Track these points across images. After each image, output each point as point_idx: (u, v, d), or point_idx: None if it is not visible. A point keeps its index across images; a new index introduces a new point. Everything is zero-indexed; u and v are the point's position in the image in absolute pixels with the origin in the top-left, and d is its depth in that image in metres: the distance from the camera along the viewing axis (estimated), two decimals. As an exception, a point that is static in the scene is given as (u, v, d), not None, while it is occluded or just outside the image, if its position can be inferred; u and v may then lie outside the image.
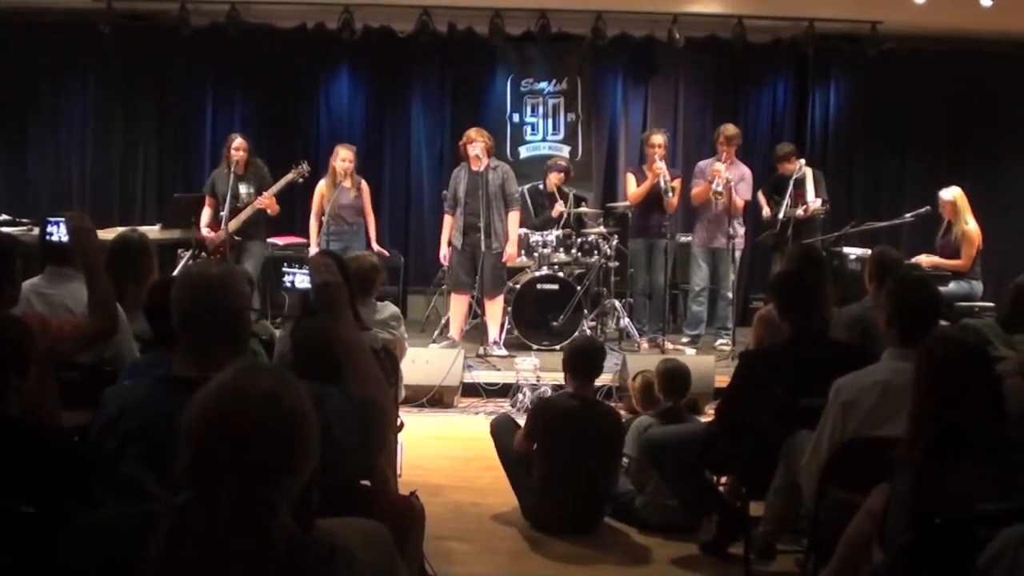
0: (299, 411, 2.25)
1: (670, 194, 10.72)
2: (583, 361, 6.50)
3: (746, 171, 11.07)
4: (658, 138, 11.00)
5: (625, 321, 11.17)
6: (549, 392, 8.84)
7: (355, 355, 3.29)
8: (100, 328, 4.67)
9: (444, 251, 10.75)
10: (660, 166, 10.72)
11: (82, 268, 4.77)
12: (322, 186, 10.73)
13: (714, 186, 10.65)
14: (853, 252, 10.90)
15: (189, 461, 2.19)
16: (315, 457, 2.27)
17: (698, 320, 11.27)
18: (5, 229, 10.48)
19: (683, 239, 12.02)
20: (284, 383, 2.27)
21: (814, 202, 11.01)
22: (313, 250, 10.54)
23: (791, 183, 10.90)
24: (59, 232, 5.27)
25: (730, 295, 11.05)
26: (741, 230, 11.02)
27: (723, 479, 6.17)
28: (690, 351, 10.72)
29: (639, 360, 9.28)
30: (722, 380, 8.83)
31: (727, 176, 10.66)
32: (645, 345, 10.90)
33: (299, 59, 13.32)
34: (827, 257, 10.49)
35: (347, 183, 10.54)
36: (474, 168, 10.43)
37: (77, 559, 2.36)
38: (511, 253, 10.59)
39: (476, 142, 10.38)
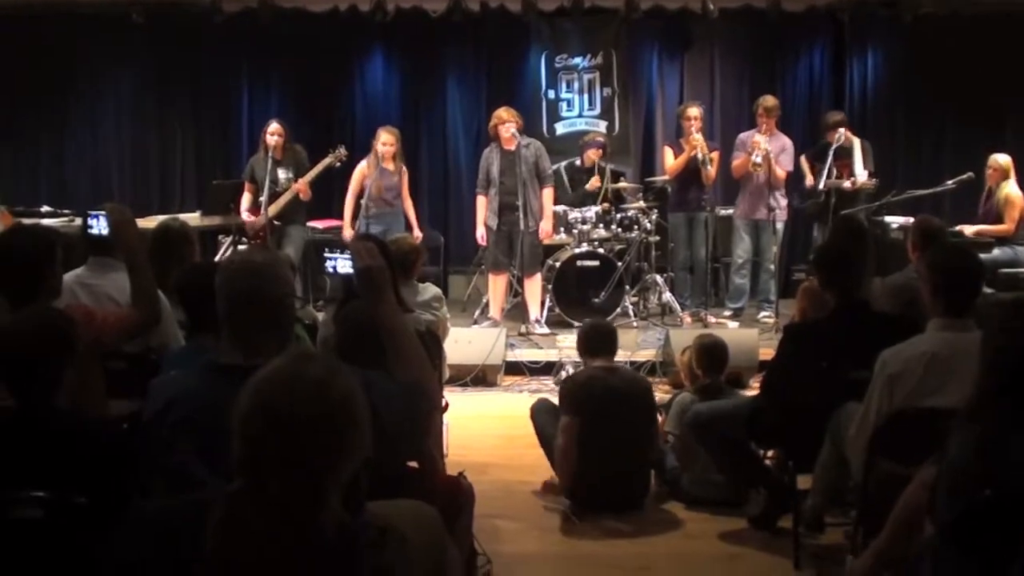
0: (350, 399, 2.26)
1: (708, 166, 10.70)
2: (599, 340, 6.52)
3: (786, 142, 11.00)
4: (694, 110, 10.98)
5: (667, 296, 11.14)
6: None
7: (399, 338, 3.30)
8: (144, 318, 4.71)
9: (481, 231, 10.73)
10: (697, 138, 10.70)
11: (124, 260, 4.80)
12: (363, 167, 10.71)
13: (753, 157, 10.59)
14: (895, 221, 10.82)
15: (240, 451, 2.20)
16: (366, 445, 2.28)
17: (741, 293, 11.23)
18: (47, 221, 10.57)
19: (723, 212, 11.97)
20: (334, 371, 2.28)
21: (862, 175, 10.86)
22: (347, 233, 10.58)
23: (831, 152, 10.82)
24: (99, 225, 5.30)
25: (772, 267, 10.99)
26: (783, 201, 10.96)
27: (769, 453, 6.16)
28: (733, 324, 10.69)
29: (682, 335, 9.25)
30: (766, 353, 8.80)
31: (767, 147, 10.59)
32: (687, 319, 10.87)
33: (333, 43, 13.34)
34: (869, 227, 10.47)
35: (390, 166, 10.54)
36: (507, 148, 10.43)
37: (130, 550, 2.38)
38: (547, 230, 10.59)
39: (508, 122, 10.38)
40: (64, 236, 6.82)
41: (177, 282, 4.71)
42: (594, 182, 11.34)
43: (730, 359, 6.86)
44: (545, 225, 10.56)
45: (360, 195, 10.56)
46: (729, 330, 10.02)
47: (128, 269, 4.69)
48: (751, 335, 9.50)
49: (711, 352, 6.70)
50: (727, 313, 11.17)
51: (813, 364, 5.17)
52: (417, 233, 10.68)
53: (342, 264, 4.23)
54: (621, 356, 7.64)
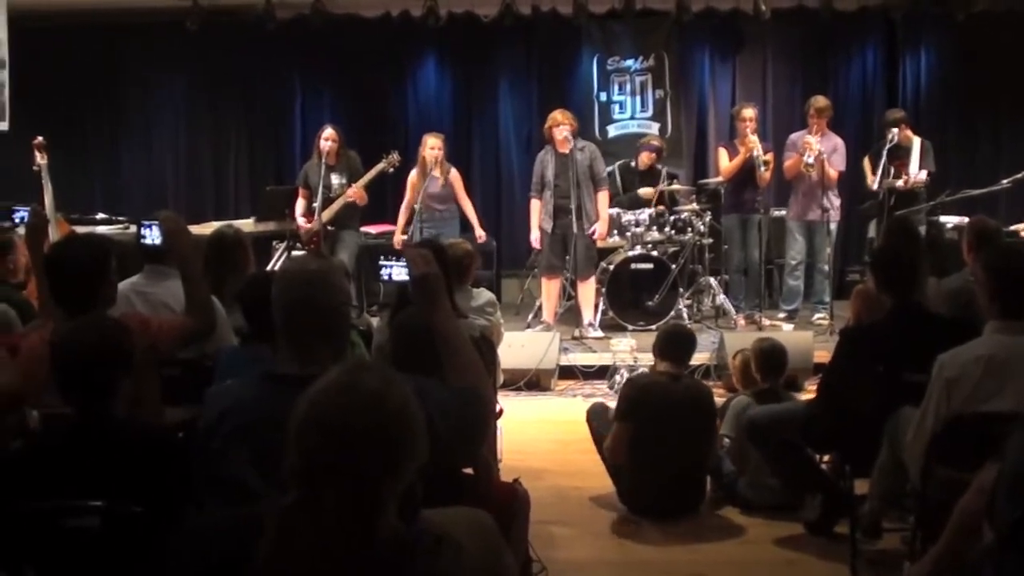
0: (405, 410, 2.26)
1: (763, 168, 10.64)
2: (672, 344, 6.49)
3: (838, 142, 10.91)
4: (749, 111, 10.92)
5: (721, 298, 11.10)
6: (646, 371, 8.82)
7: (455, 345, 3.29)
8: (198, 326, 4.73)
9: (535, 235, 10.72)
10: (753, 140, 10.65)
11: (177, 268, 4.83)
12: (413, 176, 10.73)
13: (805, 158, 10.51)
14: (950, 221, 10.73)
15: (296, 462, 2.21)
16: (422, 456, 2.28)
17: (795, 295, 11.15)
18: (101, 228, 10.70)
19: (777, 213, 11.90)
20: (390, 382, 2.28)
21: (917, 174, 10.76)
22: (397, 239, 10.63)
23: (885, 152, 10.72)
24: (153, 234, 5.35)
25: (826, 268, 10.90)
26: (836, 202, 10.87)
27: (825, 457, 6.12)
28: (787, 327, 10.62)
29: (736, 337, 9.21)
30: (820, 355, 8.77)
31: (819, 148, 10.51)
32: (742, 322, 10.81)
33: (385, 48, 13.40)
34: (925, 227, 10.38)
35: (436, 172, 10.54)
36: (561, 150, 10.42)
37: (185, 561, 2.40)
38: (602, 232, 10.57)
39: (563, 125, 10.36)
40: (119, 244, 6.88)
41: (239, 292, 4.75)
42: (649, 192, 11.30)
43: (786, 362, 6.83)
44: (600, 228, 10.54)
45: (414, 202, 10.59)
46: (784, 332, 9.96)
47: (182, 278, 4.71)
48: (806, 337, 9.44)
49: (770, 356, 6.65)
50: (781, 315, 11.11)
51: (869, 368, 5.13)
52: (480, 233, 10.72)
53: (397, 271, 4.25)
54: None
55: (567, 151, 10.36)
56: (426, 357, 3.40)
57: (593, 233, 10.51)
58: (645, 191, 11.35)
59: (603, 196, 10.60)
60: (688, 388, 6.40)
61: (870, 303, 6.07)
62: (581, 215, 10.34)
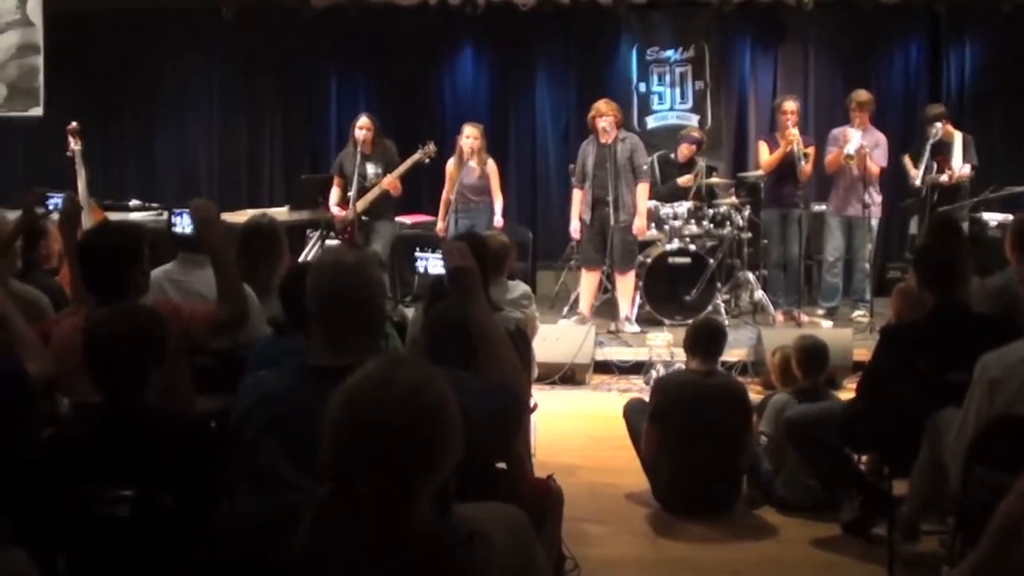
0: (442, 406, 2.27)
1: (803, 162, 10.59)
2: (702, 339, 6.48)
3: (880, 137, 10.84)
4: (790, 104, 10.87)
5: (759, 294, 11.05)
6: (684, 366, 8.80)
7: (491, 339, 3.30)
8: (231, 316, 4.74)
9: (575, 225, 10.71)
10: (793, 133, 10.59)
11: (210, 258, 4.83)
12: (450, 166, 10.77)
13: (846, 149, 10.44)
14: (994, 218, 10.65)
15: (331, 455, 2.22)
16: (458, 451, 2.28)
17: (834, 291, 11.10)
18: (135, 215, 10.76)
19: (817, 208, 11.84)
20: (428, 377, 2.28)
21: (961, 168, 10.69)
22: (439, 226, 10.67)
23: (928, 147, 10.65)
24: (184, 223, 5.37)
25: (866, 265, 10.84)
26: (878, 198, 10.81)
27: (864, 458, 6.09)
28: (826, 324, 10.57)
29: (774, 334, 9.19)
30: (860, 353, 8.73)
31: (860, 141, 10.45)
32: (780, 318, 10.77)
33: (422, 37, 13.40)
34: (968, 224, 10.31)
35: (473, 161, 10.55)
36: (602, 141, 10.40)
37: (221, 551, 2.41)
38: (640, 226, 10.52)
39: (605, 116, 10.33)
40: (152, 231, 6.91)
41: (281, 283, 4.77)
42: (687, 180, 11.28)
43: (826, 360, 6.80)
44: (639, 222, 10.50)
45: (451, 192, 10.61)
46: (823, 329, 9.92)
47: (214, 267, 4.71)
48: (845, 335, 9.41)
49: (812, 354, 6.62)
50: (820, 312, 11.06)
51: (910, 367, 5.11)
52: (498, 220, 10.69)
53: (433, 264, 4.26)
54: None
55: (608, 142, 10.34)
56: (461, 350, 3.42)
57: (631, 227, 10.48)
58: (683, 179, 11.31)
59: (643, 188, 10.55)
60: (721, 385, 6.39)
61: (911, 301, 6.03)
62: (619, 207, 10.32)
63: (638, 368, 9.55)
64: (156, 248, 5.12)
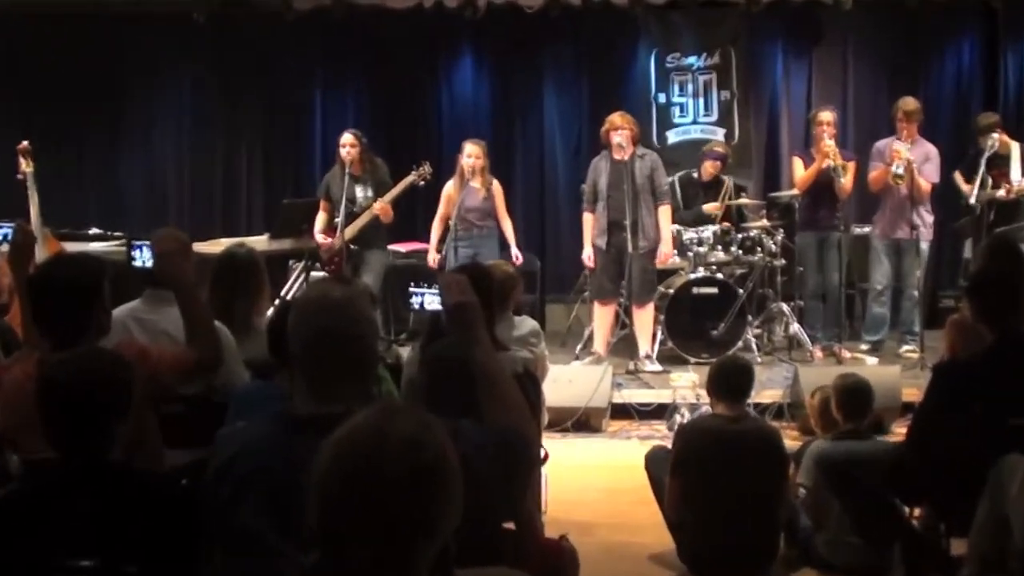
0: (444, 461, 2.24)
1: (842, 179, 10.57)
2: (727, 380, 6.44)
3: (931, 150, 10.83)
4: (826, 115, 10.87)
5: (795, 327, 11.04)
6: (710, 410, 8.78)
7: (495, 382, 3.29)
8: (202, 358, 4.72)
9: (588, 253, 10.69)
10: (830, 146, 10.57)
11: (175, 295, 4.79)
12: (450, 187, 10.79)
13: (893, 168, 10.43)
14: (1059, 240, 10.61)
15: (319, 517, 2.19)
16: (460, 511, 2.26)
17: (879, 323, 11.08)
18: (95, 245, 10.70)
19: (858, 231, 11.84)
20: (427, 427, 2.26)
21: (1020, 182, 10.65)
22: (431, 258, 10.63)
23: (983, 160, 10.64)
24: (143, 256, 5.36)
25: (916, 294, 10.81)
26: (928, 218, 10.79)
27: (916, 511, 6.06)
28: (871, 360, 10.55)
29: (813, 372, 9.18)
30: (909, 393, 8.71)
31: (908, 157, 10.44)
32: (819, 354, 10.77)
33: (416, 43, 13.44)
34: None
35: (476, 182, 10.57)
36: (617, 157, 10.40)
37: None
38: (666, 253, 10.55)
39: (621, 129, 10.35)
40: (114, 264, 6.89)
41: (268, 321, 4.76)
42: (713, 207, 11.28)
43: (872, 401, 6.78)
44: (665, 248, 10.53)
45: (449, 217, 10.59)
46: (868, 367, 9.89)
47: (179, 304, 4.70)
48: (892, 372, 9.39)
49: (854, 395, 6.59)
50: (864, 347, 11.03)
51: (967, 409, 5.08)
52: (516, 253, 10.71)
53: (429, 300, 4.25)
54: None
55: (624, 159, 10.33)
56: (462, 395, 3.41)
57: (653, 254, 10.48)
58: (710, 206, 11.32)
59: (664, 211, 10.57)
60: (751, 431, 6.35)
61: (967, 334, 6.01)
62: (638, 232, 10.31)
63: (661, 412, 9.51)
64: (119, 283, 5.10)
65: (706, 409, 8.79)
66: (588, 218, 10.69)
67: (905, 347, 10.91)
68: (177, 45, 13.47)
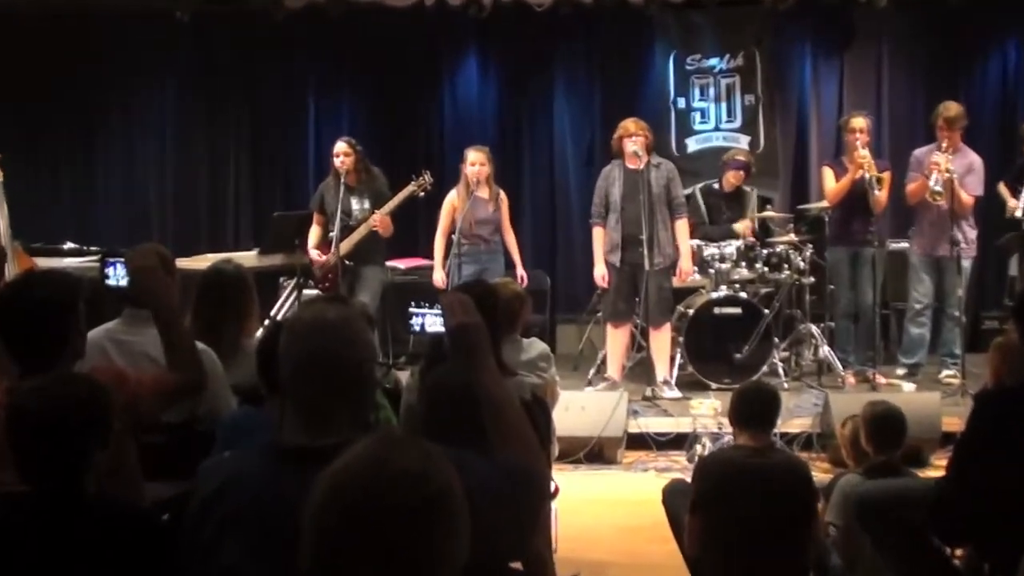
0: (448, 496, 2.23)
1: (877, 190, 10.55)
2: (750, 408, 6.42)
3: (975, 160, 10.81)
4: (860, 121, 10.85)
5: (825, 350, 11.03)
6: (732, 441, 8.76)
7: (502, 411, 3.28)
8: (183, 383, 4.71)
9: (601, 270, 10.66)
10: (864, 155, 10.56)
11: (152, 315, 4.77)
12: (453, 197, 10.78)
13: (932, 183, 10.40)
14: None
15: (312, 558, 2.18)
16: (466, 550, 2.25)
17: (918, 344, 11.04)
18: (69, 261, 10.70)
19: (894, 246, 11.83)
20: (430, 459, 2.25)
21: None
22: (437, 276, 10.60)
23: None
24: (117, 274, 5.33)
25: (957, 314, 10.79)
26: (971, 233, 10.77)
27: (958, 551, 6.03)
28: (908, 386, 10.53)
29: (845, 399, 9.16)
30: (950, 422, 8.69)
31: (949, 168, 10.42)
32: (851, 380, 10.75)
33: (417, 44, 13.47)
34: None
35: (483, 192, 10.57)
36: (631, 166, 10.41)
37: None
38: (685, 270, 10.57)
39: (635, 136, 10.35)
40: (91, 282, 6.89)
41: (258, 344, 4.75)
42: (744, 227, 11.28)
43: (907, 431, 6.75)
44: (684, 264, 10.56)
45: (452, 231, 10.59)
46: (904, 394, 9.89)
47: (157, 325, 4.68)
48: (931, 400, 9.36)
49: (884, 424, 6.57)
50: (901, 371, 11.01)
51: (1013, 441, 5.06)
52: (521, 273, 10.70)
53: (431, 321, 4.24)
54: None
55: (638, 168, 10.33)
56: (465, 424, 3.42)
57: (671, 271, 10.47)
58: (740, 226, 11.30)
59: (682, 225, 10.59)
60: (777, 464, 6.26)
61: (1012, 359, 6.00)
62: (653, 247, 10.30)
63: (680, 442, 9.50)
64: (96, 302, 5.09)
65: (729, 439, 8.79)
66: (599, 233, 10.67)
67: (945, 372, 10.88)
68: (158, 46, 13.48)
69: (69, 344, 4.42)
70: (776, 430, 8.70)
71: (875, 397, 8.08)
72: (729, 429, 8.84)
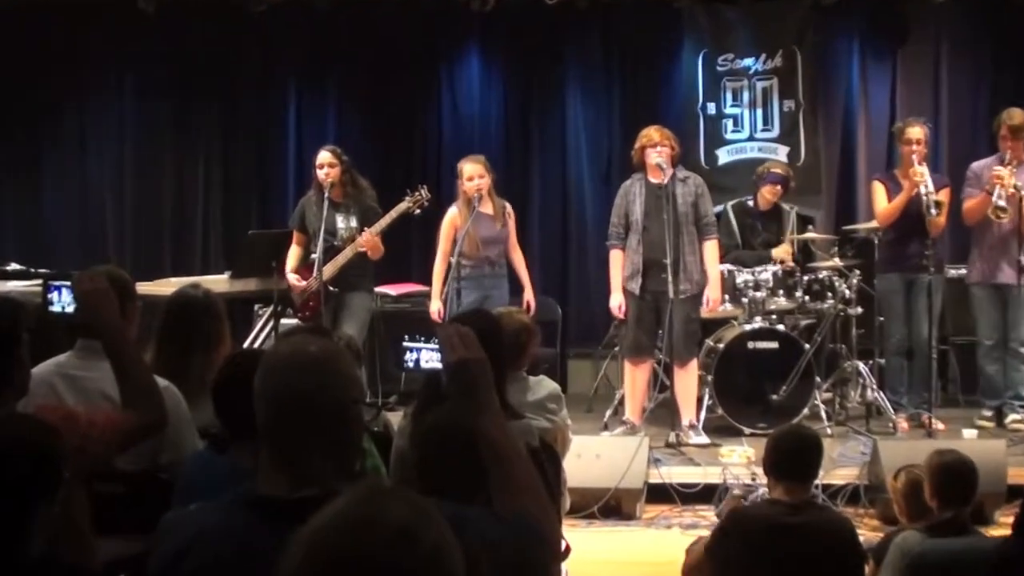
0: (443, 555, 2.23)
1: (934, 211, 10.52)
2: (787, 457, 6.40)
3: (1042, 173, 10.83)
4: (916, 131, 10.82)
5: (874, 391, 11.00)
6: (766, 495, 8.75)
7: (506, 460, 3.29)
8: (142, 424, 4.69)
9: (618, 299, 10.63)
10: (920, 170, 10.54)
11: (104, 347, 4.75)
12: (454, 214, 10.69)
13: (994, 199, 10.41)
14: None
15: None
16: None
17: (996, 388, 10.96)
18: (13, 285, 10.67)
19: (954, 272, 11.80)
20: (423, 515, 2.25)
21: None
22: (434, 306, 10.55)
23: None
24: (63, 300, 5.32)
25: (1023, 351, 10.79)
26: (1040, 256, 10.78)
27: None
28: (969, 433, 10.46)
29: (897, 447, 9.15)
30: (1016, 474, 8.70)
31: (1014, 183, 10.42)
32: (904, 425, 10.73)
33: (412, 41, 13.48)
34: None
35: (486, 207, 10.53)
36: (654, 181, 10.40)
37: None
38: (714, 299, 10.53)
39: (659, 146, 10.34)
40: (36, 309, 6.88)
41: (215, 378, 4.73)
42: (784, 252, 11.27)
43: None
44: (712, 292, 10.51)
45: (451, 253, 10.55)
46: (965, 441, 9.84)
47: (110, 358, 4.65)
48: (996, 449, 9.32)
49: (954, 476, 6.52)
50: (987, 413, 10.93)
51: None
52: (529, 298, 10.70)
53: (427, 357, 4.25)
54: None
55: (662, 182, 10.32)
56: (464, 474, 3.44)
57: (698, 299, 10.47)
58: (779, 250, 11.29)
59: (711, 247, 10.58)
60: (817, 522, 6.30)
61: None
62: (679, 273, 10.30)
63: (708, 495, 9.47)
64: (44, 332, 5.08)
65: (763, 492, 8.77)
66: (617, 256, 10.65)
67: (1013, 417, 10.83)
68: (118, 41, 13.50)
69: (10, 380, 4.41)
70: (817, 482, 8.72)
71: (932, 445, 8.08)
72: (764, 480, 8.86)
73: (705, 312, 10.70)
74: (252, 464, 3.69)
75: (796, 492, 6.30)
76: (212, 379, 4.83)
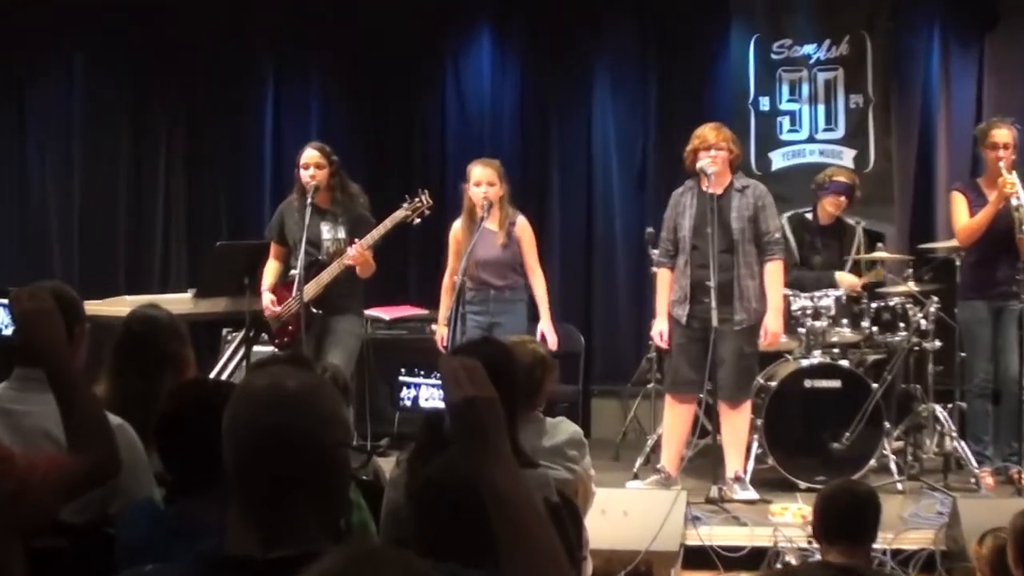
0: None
1: (1026, 228, 10.56)
2: (840, 517, 6.40)
3: None
4: (1003, 133, 10.82)
5: (954, 441, 10.99)
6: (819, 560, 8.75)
7: (517, 515, 3.28)
8: (90, 469, 4.69)
9: (662, 325, 10.60)
10: (1009, 180, 10.54)
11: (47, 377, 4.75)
12: (457, 229, 10.75)
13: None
14: None
15: None
16: None
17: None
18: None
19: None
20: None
21: None
22: (440, 333, 10.53)
23: None
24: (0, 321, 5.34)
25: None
26: None
27: None
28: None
29: (980, 507, 9.14)
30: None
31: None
32: (989, 480, 10.70)
33: (414, 22, 13.51)
34: None
35: (491, 222, 10.55)
36: (707, 189, 10.29)
37: None
38: (775, 331, 10.44)
39: (715, 149, 10.30)
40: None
41: (158, 419, 4.72)
42: (853, 283, 11.25)
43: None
44: (771, 324, 10.37)
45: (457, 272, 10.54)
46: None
47: (54, 390, 4.65)
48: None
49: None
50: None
51: None
52: (547, 328, 10.67)
53: (426, 393, 4.25)
54: (879, 542, 7.54)
55: (716, 192, 10.25)
56: (469, 532, 3.42)
57: (755, 331, 10.43)
58: (845, 276, 11.30)
59: (774, 269, 10.45)
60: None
61: None
62: (733, 298, 10.28)
63: (756, 560, 9.45)
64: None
65: (819, 557, 8.78)
66: (665, 277, 10.62)
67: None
68: (65, 25, 13.54)
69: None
70: (886, 546, 8.74)
71: (1021, 504, 8.06)
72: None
73: (762, 345, 10.63)
74: (209, 517, 3.69)
75: (852, 555, 6.32)
76: (158, 418, 4.83)
